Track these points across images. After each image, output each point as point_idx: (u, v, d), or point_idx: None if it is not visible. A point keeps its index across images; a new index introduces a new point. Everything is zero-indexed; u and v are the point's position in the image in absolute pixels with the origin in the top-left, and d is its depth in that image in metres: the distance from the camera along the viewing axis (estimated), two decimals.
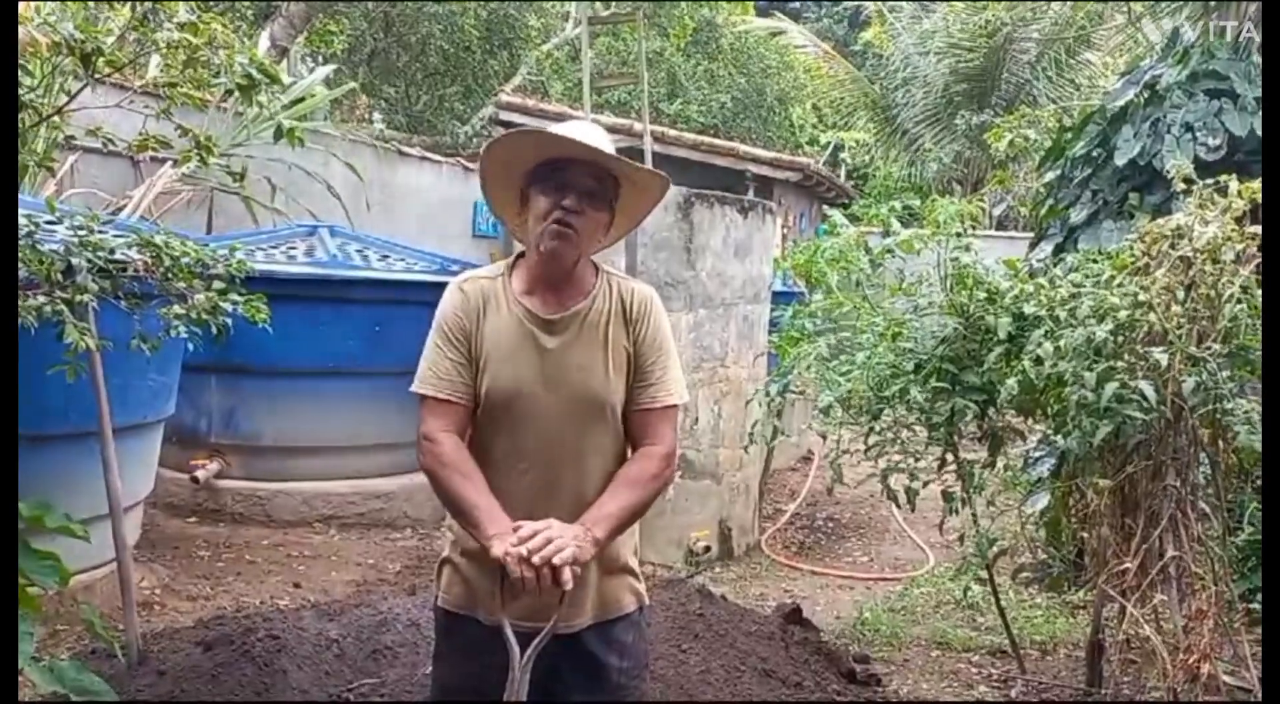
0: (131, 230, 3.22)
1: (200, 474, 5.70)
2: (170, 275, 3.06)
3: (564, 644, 2.13)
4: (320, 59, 13.05)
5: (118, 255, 3.07)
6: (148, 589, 4.63)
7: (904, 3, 16.63)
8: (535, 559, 1.90)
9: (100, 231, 3.26)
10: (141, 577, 4.69)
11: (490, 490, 2.08)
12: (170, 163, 5.66)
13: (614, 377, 2.16)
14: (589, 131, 2.19)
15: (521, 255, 2.24)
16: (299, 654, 3.32)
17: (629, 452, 2.22)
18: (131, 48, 3.33)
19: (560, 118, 10.99)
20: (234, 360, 5.48)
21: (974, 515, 4.08)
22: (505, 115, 11.17)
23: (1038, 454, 4.90)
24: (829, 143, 19.04)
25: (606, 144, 2.16)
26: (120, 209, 5.92)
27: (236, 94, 2.99)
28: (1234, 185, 3.56)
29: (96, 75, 2.98)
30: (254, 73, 2.93)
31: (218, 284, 3.17)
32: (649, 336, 2.21)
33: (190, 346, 3.37)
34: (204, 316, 3.08)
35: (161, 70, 3.16)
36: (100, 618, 3.29)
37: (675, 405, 2.23)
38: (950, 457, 4.14)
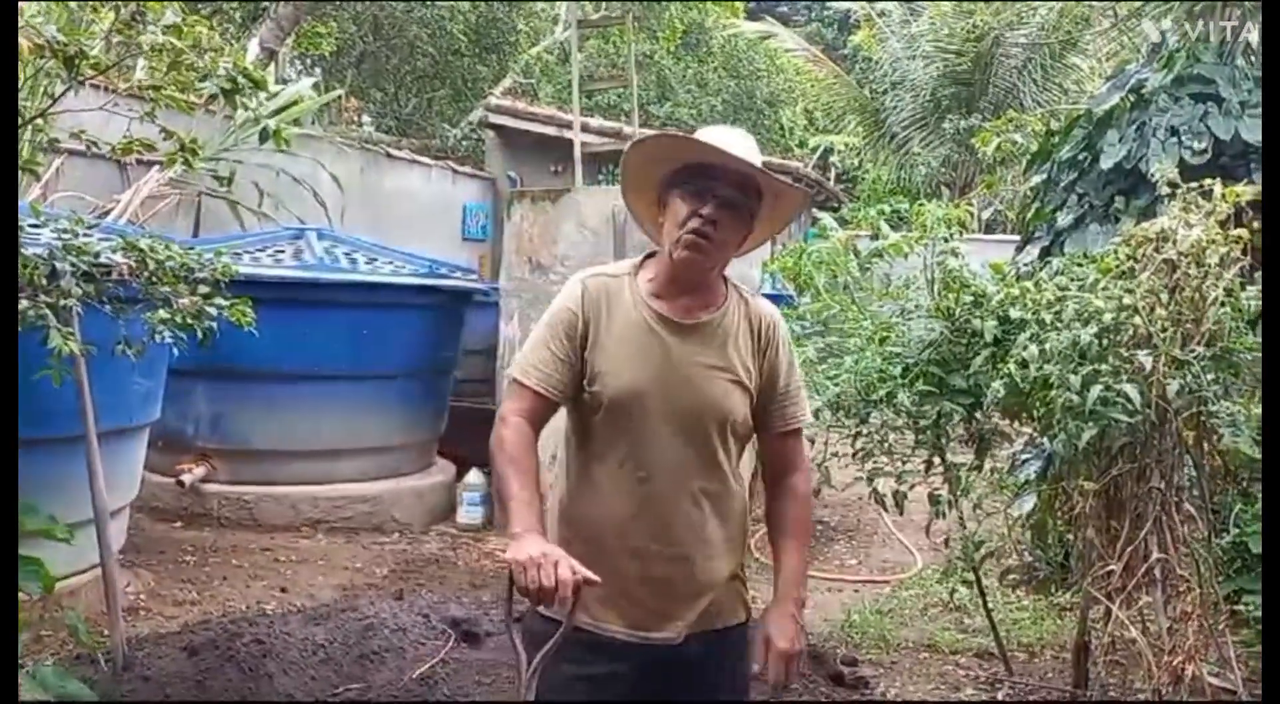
0: (117, 234, 3.21)
1: (186, 478, 5.68)
2: (155, 279, 3.04)
3: (665, 656, 2.10)
4: (308, 62, 13.05)
5: (102, 259, 3.05)
6: (133, 594, 4.61)
7: (892, 4, 16.66)
8: (545, 573, 1.82)
9: (85, 235, 3.25)
10: (127, 581, 4.67)
11: (609, 488, 2.09)
12: (157, 167, 5.65)
13: (737, 391, 2.13)
14: (738, 140, 2.14)
15: (650, 256, 2.20)
16: (285, 659, 3.32)
17: (751, 469, 2.22)
18: (116, 50, 3.31)
19: (551, 120, 11.00)
20: (221, 364, 5.45)
21: (961, 518, 4.09)
22: (495, 118, 11.15)
23: (1024, 456, 4.91)
24: (818, 146, 19.08)
25: (754, 154, 2.11)
26: (106, 213, 5.91)
27: (221, 98, 2.97)
28: (1218, 189, 3.58)
29: (80, 78, 2.97)
30: (238, 77, 2.92)
31: (203, 288, 3.16)
32: (783, 357, 2.20)
33: (176, 351, 3.35)
34: (189, 321, 3.07)
35: (146, 73, 3.15)
36: (85, 623, 3.29)
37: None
38: (937, 459, 4.15)
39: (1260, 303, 3.82)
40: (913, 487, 4.13)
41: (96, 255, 3.03)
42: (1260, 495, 4.92)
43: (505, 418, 2.08)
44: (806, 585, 2.17)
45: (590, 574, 1.85)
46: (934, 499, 4.12)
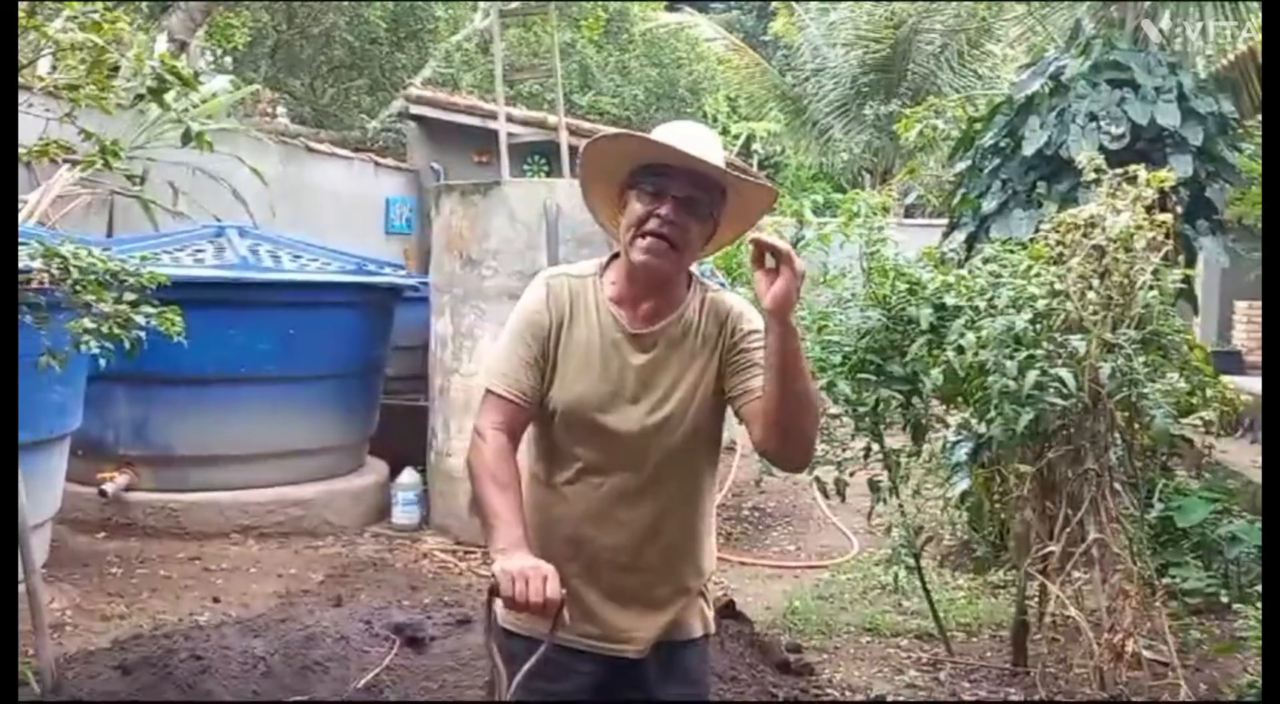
0: (34, 239, 3.06)
1: (109, 487, 5.49)
2: (79, 288, 2.90)
3: (623, 669, 2.06)
4: (220, 53, 12.69)
5: (20, 266, 2.91)
6: (58, 610, 4.44)
7: None
8: (534, 587, 1.77)
9: None
10: (51, 597, 4.48)
11: (568, 497, 2.04)
12: (66, 166, 5.43)
13: (701, 399, 2.05)
14: (698, 135, 2.06)
15: (616, 256, 2.10)
16: (225, 674, 3.22)
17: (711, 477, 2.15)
18: (30, 48, 3.14)
19: (472, 111, 10.86)
20: (143, 369, 5.22)
21: (900, 505, 4.14)
22: (415, 109, 10.96)
23: (955, 439, 5.00)
24: (740, 134, 19.17)
25: (715, 150, 2.04)
26: None
27: (147, 97, 2.84)
28: (1143, 174, 3.66)
29: None
30: (166, 75, 2.79)
31: (129, 295, 3.02)
32: (747, 339, 2.04)
33: (103, 362, 3.21)
34: (115, 330, 2.94)
35: (62, 71, 3.00)
36: None
37: None
38: (876, 446, 4.20)
39: (1179, 285, 3.94)
40: (853, 474, 4.18)
41: None
42: (1181, 471, 5.09)
43: (481, 432, 2.00)
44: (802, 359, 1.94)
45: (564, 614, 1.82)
46: (874, 485, 4.17)
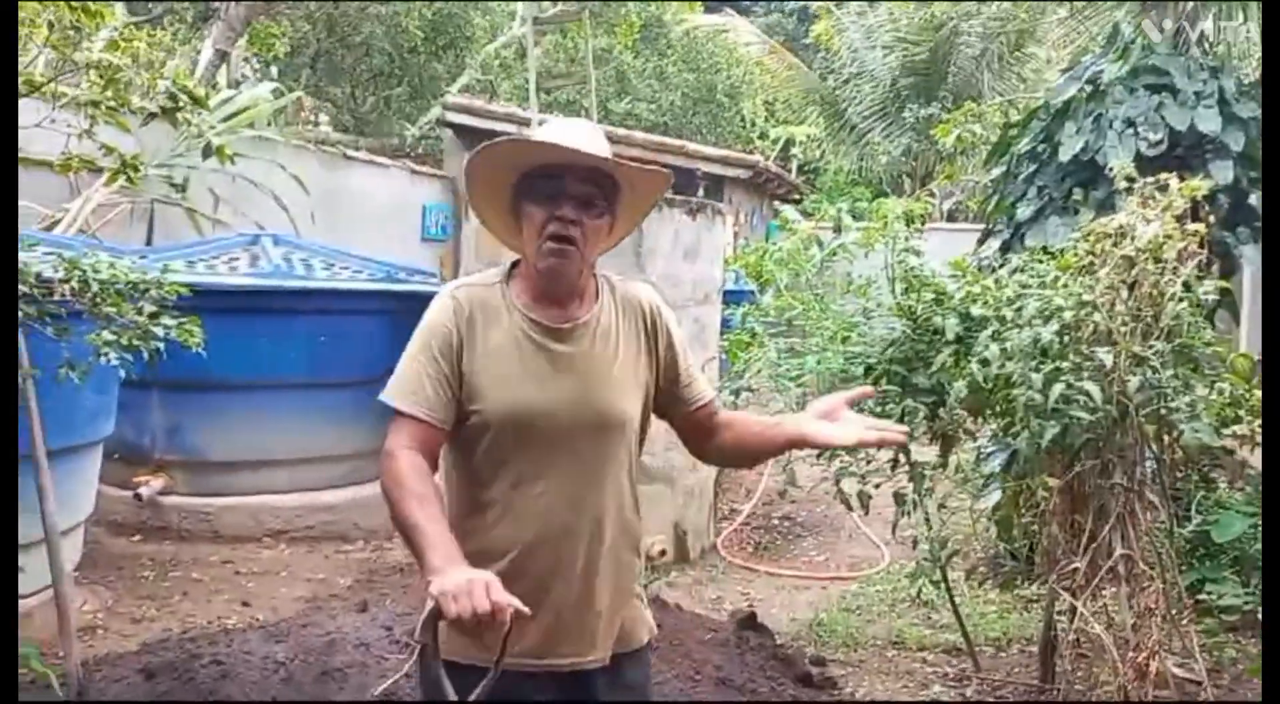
0: (58, 249, 3.11)
1: (144, 491, 5.57)
2: (99, 300, 2.95)
3: (575, 688, 2.01)
4: (263, 62, 12.86)
5: (44, 277, 2.96)
6: (90, 612, 4.51)
7: None
8: (478, 599, 1.65)
9: (32, 246, 3.16)
10: (84, 599, 4.57)
11: (504, 514, 1.95)
12: (107, 175, 5.53)
13: (631, 390, 2.03)
14: (579, 131, 2.02)
15: (517, 263, 2.07)
16: (245, 680, 3.25)
17: (634, 466, 2.10)
18: (53, 66, 3.20)
19: (509, 118, 10.91)
20: (177, 375, 5.33)
21: (926, 517, 4.09)
22: (452, 116, 11.05)
23: (990, 449, 4.93)
24: (779, 138, 19.11)
25: (601, 142, 2.00)
26: (55, 223, 5.77)
27: (160, 115, 2.89)
28: (1174, 183, 3.59)
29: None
30: (179, 94, 2.83)
31: (149, 307, 3.06)
32: (676, 338, 2.11)
33: (122, 373, 3.26)
34: (135, 342, 2.97)
35: (86, 87, 3.05)
36: (37, 647, 3.21)
37: None
38: (902, 458, 4.15)
39: (1216, 297, 3.86)
40: (878, 486, 4.13)
41: (38, 276, 2.94)
42: (1223, 483, 4.98)
43: (392, 452, 1.91)
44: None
45: (520, 604, 1.68)
46: (899, 499, 4.12)
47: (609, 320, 2.05)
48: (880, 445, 2.02)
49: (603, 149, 1.98)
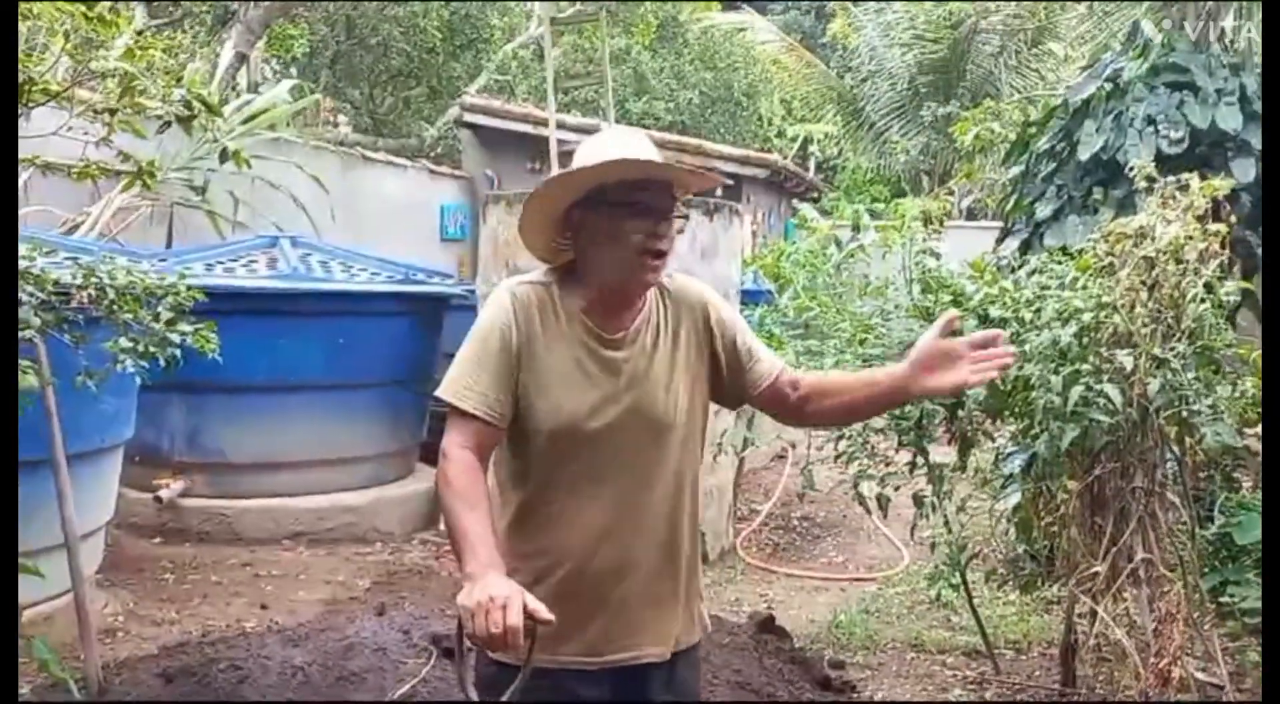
0: (75, 254, 3.13)
1: (164, 494, 5.61)
2: (116, 307, 2.96)
3: (631, 687, 2.00)
4: (282, 64, 12.93)
5: (62, 282, 2.98)
6: (111, 615, 4.54)
7: None
8: (493, 619, 1.65)
9: (51, 258, 3.18)
10: (105, 602, 4.61)
11: (560, 517, 1.95)
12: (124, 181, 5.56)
13: (685, 389, 2.03)
14: (642, 141, 2.02)
15: (567, 268, 2.04)
16: (262, 684, 3.26)
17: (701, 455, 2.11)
18: (68, 74, 3.23)
19: (527, 118, 10.91)
20: (196, 377, 5.37)
21: (945, 520, 4.07)
22: (470, 117, 11.06)
23: (1010, 449, 4.89)
24: (797, 136, 19.04)
25: (654, 149, 2.01)
26: (76, 227, 5.82)
27: (174, 123, 2.90)
28: (1195, 183, 3.55)
29: (31, 104, 2.89)
30: (193, 102, 2.84)
31: (166, 314, 3.07)
32: (728, 327, 2.10)
33: (139, 380, 3.27)
34: (152, 349, 2.99)
35: (103, 94, 3.07)
36: (55, 653, 3.23)
37: None
38: (921, 460, 4.12)
39: (1238, 298, 3.82)
40: (897, 488, 4.11)
41: (55, 283, 2.96)
42: (1247, 483, 4.93)
43: (447, 452, 1.90)
44: None
45: (545, 613, 1.70)
46: (918, 501, 4.10)
47: (660, 321, 2.05)
48: (982, 382, 2.02)
49: (657, 155, 1.99)
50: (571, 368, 1.96)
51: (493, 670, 1.91)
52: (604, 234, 1.95)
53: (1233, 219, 3.77)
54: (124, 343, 2.96)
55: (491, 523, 1.86)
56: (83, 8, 2.98)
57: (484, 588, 1.69)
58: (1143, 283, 3.43)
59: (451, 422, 1.94)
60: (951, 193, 13.40)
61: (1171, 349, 3.36)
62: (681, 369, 2.04)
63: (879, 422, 4.07)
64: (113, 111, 2.99)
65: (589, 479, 1.96)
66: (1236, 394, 3.58)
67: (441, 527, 6.14)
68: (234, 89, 9.63)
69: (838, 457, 4.08)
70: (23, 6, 3.36)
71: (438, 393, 1.97)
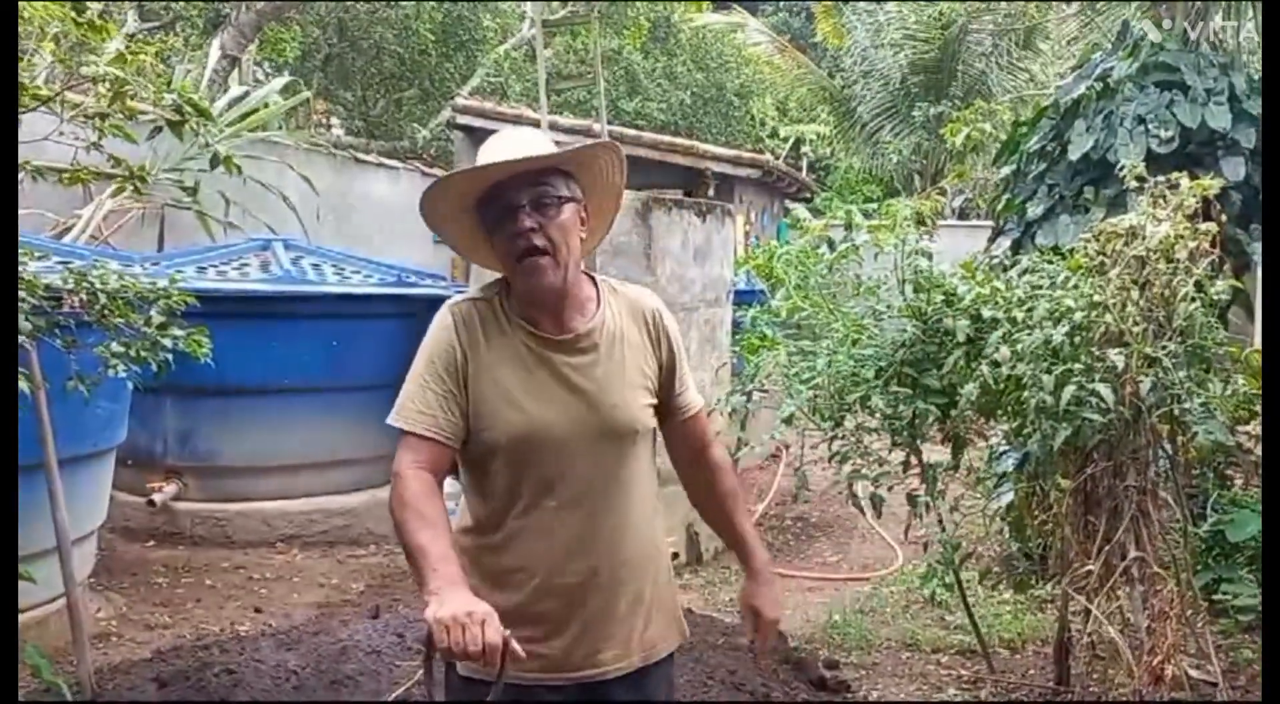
0: (66, 258, 3.12)
1: (157, 497, 5.60)
2: (107, 311, 2.95)
3: (590, 694, 1.98)
4: (274, 67, 12.91)
5: (55, 285, 2.97)
6: (104, 619, 4.53)
7: None
8: (470, 635, 1.64)
9: (42, 262, 3.17)
10: (98, 606, 4.60)
11: (521, 531, 1.93)
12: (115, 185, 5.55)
13: (642, 395, 2.01)
14: (506, 142, 1.96)
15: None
16: (256, 688, 3.25)
17: (658, 464, 2.11)
18: (60, 80, 3.22)
19: (519, 120, 10.90)
20: (189, 380, 5.36)
21: (939, 519, 4.07)
22: (462, 118, 11.05)
23: (1003, 448, 4.90)
24: (789, 136, 19.07)
25: (532, 140, 1.96)
26: (68, 229, 5.80)
27: (165, 128, 2.90)
28: (1185, 182, 3.56)
29: (21, 109, 2.88)
30: (184, 107, 2.84)
31: (157, 318, 3.06)
32: (676, 345, 2.10)
33: (130, 385, 3.27)
34: (143, 354, 2.98)
35: (95, 99, 3.06)
36: (47, 659, 3.22)
37: None
38: (914, 460, 4.13)
39: (1229, 296, 3.83)
40: (891, 488, 4.11)
41: (47, 287, 2.95)
42: (1239, 481, 4.94)
43: (400, 472, 1.88)
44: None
45: (517, 649, 1.69)
46: (912, 500, 4.10)
47: (614, 326, 2.02)
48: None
49: (537, 148, 1.94)
50: (520, 378, 1.94)
51: (460, 684, 1.90)
52: (495, 249, 1.95)
53: (1223, 218, 3.79)
54: (115, 347, 2.95)
55: (451, 539, 1.84)
56: (72, 13, 2.98)
57: (457, 604, 1.68)
58: (1134, 282, 3.45)
59: (404, 443, 1.92)
60: (943, 192, 13.44)
61: (1163, 348, 3.37)
62: (635, 373, 2.02)
63: (873, 422, 4.08)
64: (103, 116, 2.98)
65: (545, 489, 1.94)
66: (1228, 392, 3.60)
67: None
68: (225, 92, 9.61)
69: (832, 457, 4.08)
70: None
71: (389, 420, 1.96)
